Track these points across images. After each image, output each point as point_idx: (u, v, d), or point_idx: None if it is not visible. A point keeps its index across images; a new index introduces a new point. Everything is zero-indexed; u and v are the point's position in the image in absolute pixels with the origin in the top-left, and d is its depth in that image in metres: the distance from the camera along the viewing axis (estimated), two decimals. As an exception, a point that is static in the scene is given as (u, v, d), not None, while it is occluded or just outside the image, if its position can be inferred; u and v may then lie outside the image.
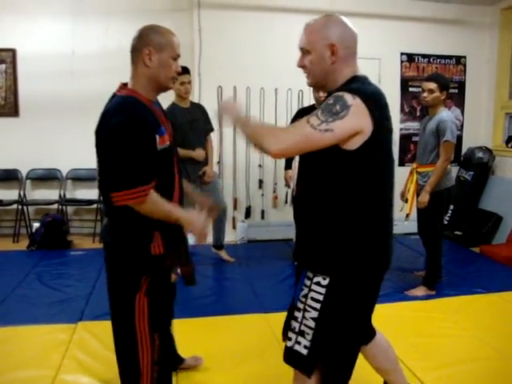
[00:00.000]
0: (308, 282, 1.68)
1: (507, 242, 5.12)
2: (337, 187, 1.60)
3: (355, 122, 1.51)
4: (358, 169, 1.58)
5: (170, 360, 2.16)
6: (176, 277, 2.26)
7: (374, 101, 1.56)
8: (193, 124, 4.15)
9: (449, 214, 5.38)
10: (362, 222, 1.62)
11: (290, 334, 1.70)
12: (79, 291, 3.79)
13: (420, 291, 3.83)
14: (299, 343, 1.66)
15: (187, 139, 4.02)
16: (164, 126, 1.86)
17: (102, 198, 1.92)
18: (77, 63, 5.36)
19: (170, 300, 2.23)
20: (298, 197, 1.87)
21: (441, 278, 3.93)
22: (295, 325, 1.69)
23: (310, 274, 1.68)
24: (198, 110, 4.33)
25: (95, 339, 2.97)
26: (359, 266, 1.64)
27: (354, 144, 1.54)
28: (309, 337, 1.64)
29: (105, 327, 3.11)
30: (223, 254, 4.67)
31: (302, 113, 4.33)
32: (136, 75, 1.86)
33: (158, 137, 1.80)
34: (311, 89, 4.29)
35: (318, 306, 1.63)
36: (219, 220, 4.48)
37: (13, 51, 5.36)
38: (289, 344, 1.70)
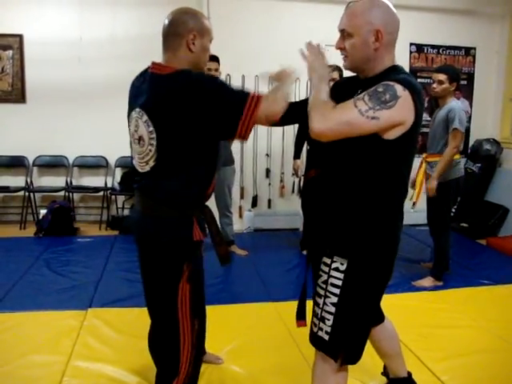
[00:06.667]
0: (326, 268, 1.70)
1: (514, 235, 5.13)
2: (365, 173, 1.62)
3: (401, 113, 1.52)
4: (391, 158, 1.61)
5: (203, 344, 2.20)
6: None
7: (419, 94, 1.57)
8: None
9: (455, 206, 5.37)
10: (384, 208, 1.66)
11: (314, 320, 1.75)
12: (88, 278, 3.81)
13: (427, 282, 3.83)
14: (321, 329, 1.70)
15: None
16: None
17: (148, 184, 1.82)
18: (84, 50, 5.32)
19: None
20: (314, 182, 1.85)
21: (448, 269, 3.92)
22: (318, 311, 1.73)
23: (328, 260, 1.70)
24: None
25: (106, 325, 2.98)
26: (376, 250, 1.66)
27: (393, 134, 1.55)
28: (329, 322, 1.68)
29: (115, 313, 3.15)
30: (235, 249, 4.58)
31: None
32: (175, 59, 1.80)
33: None
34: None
35: (337, 291, 1.66)
36: (224, 215, 4.46)
37: (20, 37, 5.31)
38: (314, 330, 1.74)
